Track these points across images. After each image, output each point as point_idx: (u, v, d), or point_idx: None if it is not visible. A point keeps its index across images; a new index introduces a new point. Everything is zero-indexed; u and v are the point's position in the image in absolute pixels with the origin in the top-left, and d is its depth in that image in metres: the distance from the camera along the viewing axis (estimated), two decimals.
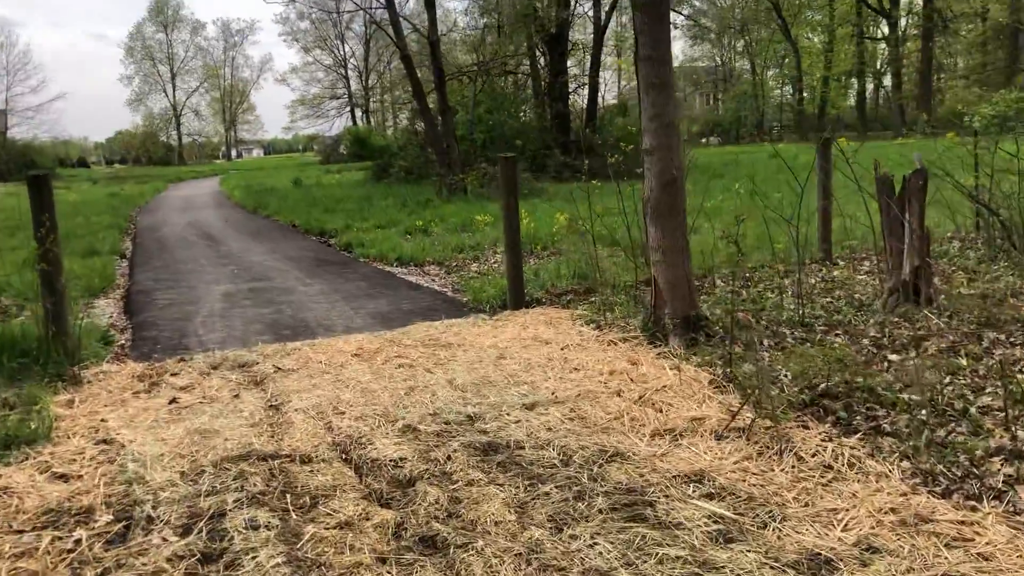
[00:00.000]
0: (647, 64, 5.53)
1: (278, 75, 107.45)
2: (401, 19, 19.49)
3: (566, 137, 27.00)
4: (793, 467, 3.59)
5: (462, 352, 5.87)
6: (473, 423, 4.40)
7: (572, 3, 27.35)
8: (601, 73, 29.28)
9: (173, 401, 5.04)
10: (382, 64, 79.90)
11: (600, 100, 29.11)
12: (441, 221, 14.87)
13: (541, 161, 24.79)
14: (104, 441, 4.40)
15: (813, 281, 7.68)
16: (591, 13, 28.34)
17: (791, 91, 70.35)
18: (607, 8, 27.68)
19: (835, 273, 7.99)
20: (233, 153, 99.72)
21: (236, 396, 5.08)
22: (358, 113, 79.91)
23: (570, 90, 28.45)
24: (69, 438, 4.49)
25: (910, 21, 55.19)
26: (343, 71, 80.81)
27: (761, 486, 3.44)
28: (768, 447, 3.80)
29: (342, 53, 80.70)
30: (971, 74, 56.08)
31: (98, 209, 22.71)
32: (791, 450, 3.72)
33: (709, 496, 3.39)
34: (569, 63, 28.69)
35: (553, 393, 4.71)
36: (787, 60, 66.00)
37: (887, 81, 61.97)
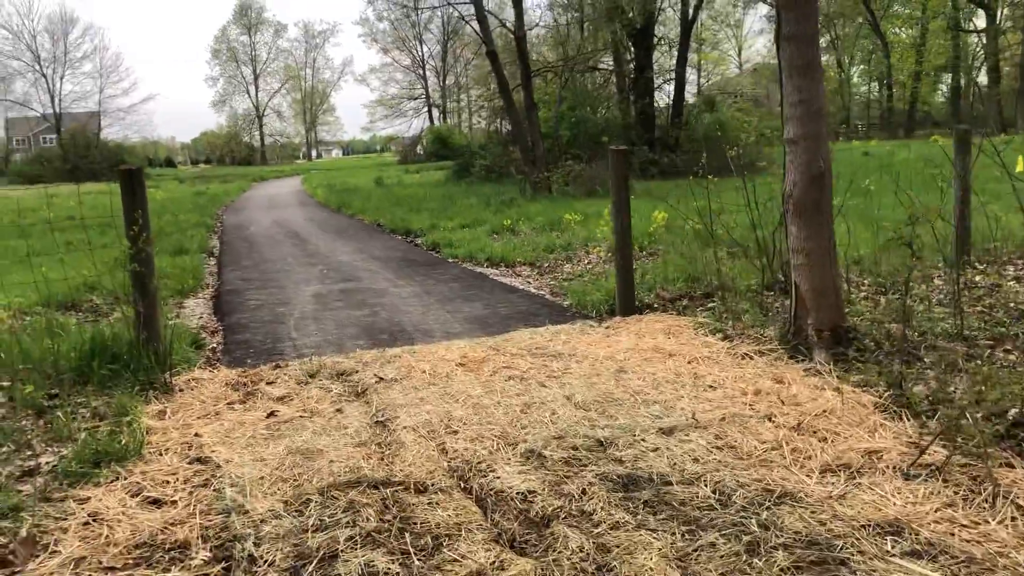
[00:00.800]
0: (791, 44, 4.92)
1: (357, 76, 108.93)
2: (487, 14, 19.08)
3: (651, 134, 26.28)
4: (1014, 519, 2.97)
5: (575, 364, 5.35)
6: (605, 449, 3.88)
7: None
8: (688, 68, 28.39)
9: (271, 414, 4.64)
10: (459, 64, 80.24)
11: (686, 96, 28.22)
12: (528, 220, 14.39)
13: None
14: (199, 460, 4.02)
15: (954, 288, 6.93)
16: (678, 7, 27.52)
17: (878, 87, 68.06)
18: (695, 2, 26.82)
19: (978, 278, 7.22)
20: (313, 153, 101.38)
21: (339, 410, 4.66)
22: (435, 113, 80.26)
23: (655, 86, 27.67)
24: (161, 455, 4.12)
25: (1010, 12, 52.46)
26: (421, 71, 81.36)
27: (979, 543, 2.83)
28: (973, 491, 3.18)
29: (420, 53, 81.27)
30: None
31: (185, 207, 22.95)
32: (1003, 495, 3.10)
33: (915, 555, 2.79)
34: (655, 58, 27.90)
35: (693, 416, 4.15)
36: (875, 55, 63.82)
37: (983, 76, 59.20)
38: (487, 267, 10.63)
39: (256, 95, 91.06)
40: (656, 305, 6.96)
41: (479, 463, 3.77)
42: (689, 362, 5.20)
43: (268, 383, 5.37)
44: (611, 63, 29.33)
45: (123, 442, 4.20)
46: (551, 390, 4.81)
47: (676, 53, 27.23)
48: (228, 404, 4.94)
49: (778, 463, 3.61)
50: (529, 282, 9.31)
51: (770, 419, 4.08)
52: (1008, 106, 53.45)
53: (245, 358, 6.33)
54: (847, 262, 7.20)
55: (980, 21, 56.29)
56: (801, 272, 5.11)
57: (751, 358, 5.16)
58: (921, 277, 7.27)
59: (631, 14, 26.14)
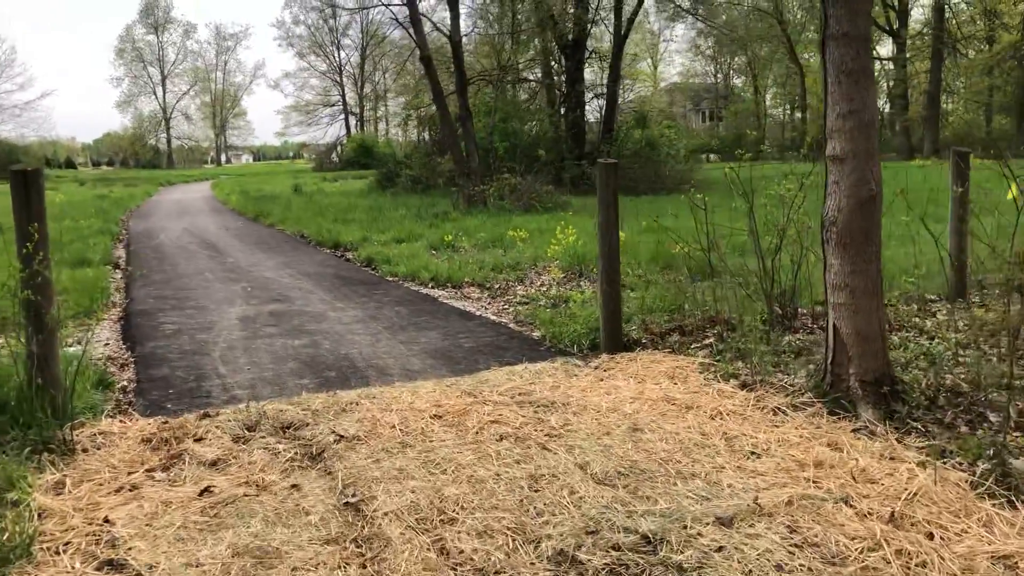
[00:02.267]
0: (840, 45, 4.18)
1: (271, 80, 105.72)
2: (422, 17, 18.14)
3: (581, 148, 25.73)
4: None
5: (575, 417, 4.47)
6: (655, 550, 3.00)
7: (592, 11, 26.11)
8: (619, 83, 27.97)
9: (206, 491, 3.61)
10: (378, 73, 78.76)
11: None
12: (467, 235, 13.46)
13: (557, 173, 23.48)
14: (111, 565, 2.98)
15: (960, 324, 6.32)
16: (611, 21, 27.09)
17: (789, 109, 69.65)
18: (628, 17, 26.42)
19: (978, 312, 6.65)
20: (223, 158, 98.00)
21: (294, 485, 3.66)
22: (352, 121, 78.54)
23: (586, 100, 27.16)
24: (59, 553, 3.07)
25: (919, 42, 54.25)
26: (338, 78, 79.51)
27: None
28: None
29: (338, 60, 79.42)
30: (976, 98, 55.45)
31: (87, 212, 21.21)
32: None
33: None
34: (586, 72, 27.43)
35: (756, 499, 3.31)
36: (790, 79, 65.21)
37: (888, 103, 61.09)
38: (433, 288, 9.67)
39: (163, 97, 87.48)
40: (644, 341, 6.14)
41: (496, 573, 2.85)
42: (712, 417, 4.38)
43: (196, 439, 4.31)
44: (540, 75, 28.75)
45: (4, 535, 3.12)
46: (558, 455, 3.91)
47: (608, 67, 26.74)
48: (147, 471, 3.88)
49: (885, 572, 2.80)
50: (485, 307, 8.39)
51: (848, 503, 3.28)
52: (916, 132, 55.17)
53: (164, 401, 5.24)
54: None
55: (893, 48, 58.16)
56: (842, 312, 4.36)
57: (784, 413, 4.37)
58: (923, 310, 6.67)
59: (564, 27, 25.59)
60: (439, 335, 6.96)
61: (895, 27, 53.07)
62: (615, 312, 5.90)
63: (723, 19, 29.04)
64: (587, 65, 27.95)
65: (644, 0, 25.89)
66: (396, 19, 20.06)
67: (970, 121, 57.42)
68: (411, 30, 18.37)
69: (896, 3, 52.57)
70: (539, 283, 9.85)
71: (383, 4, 19.56)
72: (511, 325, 7.37)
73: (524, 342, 6.65)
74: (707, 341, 6.01)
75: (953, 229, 7.25)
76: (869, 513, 3.19)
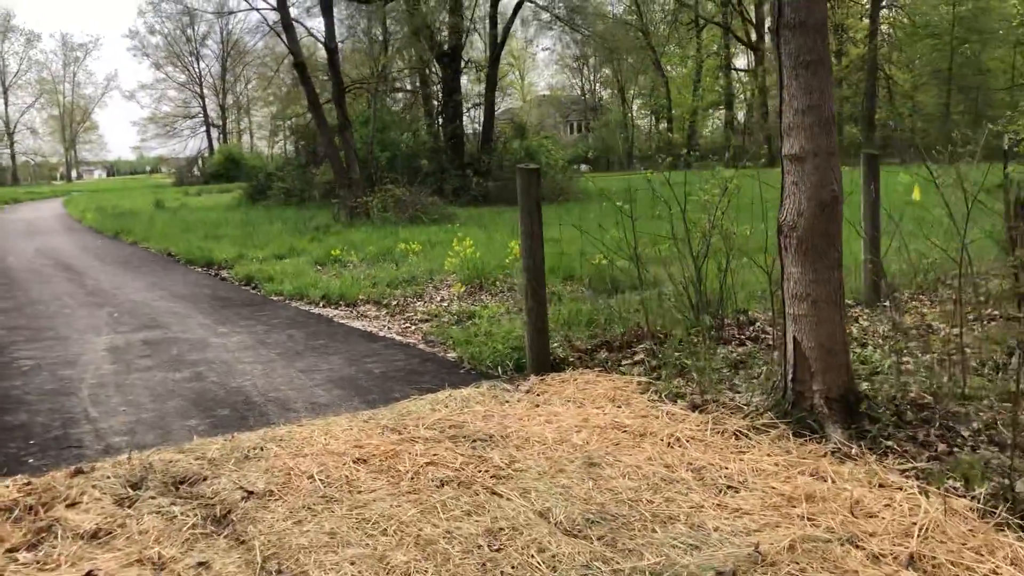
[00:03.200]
0: (797, 34, 3.85)
1: (125, 92, 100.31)
2: (295, 23, 17.25)
3: (461, 159, 25.29)
4: None
5: (519, 452, 3.96)
6: None
7: (467, 20, 25.76)
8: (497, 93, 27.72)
9: None
10: (240, 83, 76.13)
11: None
12: (354, 249, 12.73)
13: (439, 184, 22.94)
14: None
15: (882, 329, 6.18)
16: (486, 30, 26.82)
17: (655, 121, 71.51)
18: (503, 27, 26.20)
19: (905, 319, 6.54)
20: (73, 174, 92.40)
21: (202, 564, 2.98)
22: (214, 133, 75.56)
23: (464, 110, 26.75)
24: None
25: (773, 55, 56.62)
26: (198, 89, 76.34)
27: None
28: None
29: (197, 70, 76.26)
30: None
31: None
32: None
33: None
34: (464, 81, 27.03)
35: (756, 547, 2.88)
36: (655, 90, 66.92)
37: (753, 112, 63.61)
38: (325, 307, 8.95)
39: (5, 109, 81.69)
40: (572, 359, 5.68)
41: None
42: (670, 445, 3.95)
43: (69, 504, 3.56)
44: (417, 85, 28.19)
45: None
46: (512, 502, 3.38)
47: (485, 77, 26.44)
48: (7, 552, 3.12)
49: None
50: (386, 326, 7.77)
51: (855, 544, 2.90)
52: (775, 140, 57.57)
53: (24, 456, 4.40)
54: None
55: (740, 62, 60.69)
56: (804, 324, 4.02)
57: (747, 437, 3.99)
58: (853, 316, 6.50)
59: (439, 36, 25.12)
60: (342, 360, 6.30)
61: (753, 40, 55.32)
62: (542, 330, 5.43)
63: (601, 28, 29.19)
64: (463, 74, 27.56)
65: (520, 8, 25.71)
66: (267, 23, 19.07)
67: None
68: (283, 36, 17.45)
69: (753, 18, 54.83)
70: (439, 298, 9.30)
71: (253, 8, 18.54)
72: (421, 346, 6.78)
73: (440, 365, 6.08)
74: (638, 357, 5.61)
75: (868, 232, 7.15)
76: (882, 555, 2.82)
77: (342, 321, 8.10)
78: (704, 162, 7.05)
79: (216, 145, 71.25)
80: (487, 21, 26.61)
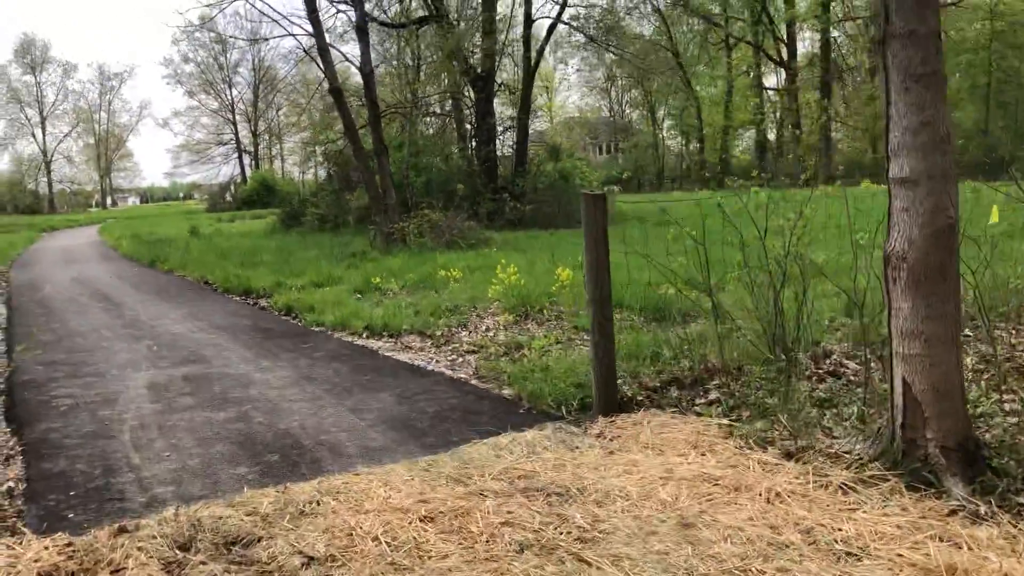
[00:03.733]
0: (908, 45, 3.48)
1: (159, 119, 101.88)
2: (331, 47, 17.14)
3: (495, 182, 25.03)
4: None
5: (602, 510, 3.59)
6: None
7: (500, 42, 25.60)
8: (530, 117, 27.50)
9: None
10: (272, 110, 76.88)
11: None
12: (392, 277, 12.44)
13: (473, 208, 22.68)
14: None
15: (969, 362, 5.73)
16: (521, 54, 26.65)
17: (685, 141, 71.05)
18: (537, 48, 26.03)
19: (994, 349, 6.09)
20: (108, 201, 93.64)
21: None
22: (246, 159, 76.23)
23: (498, 133, 26.54)
24: None
25: (808, 73, 56.07)
26: (230, 116, 77.14)
27: None
28: None
29: (229, 97, 77.09)
30: (860, 127, 57.69)
31: None
32: None
33: None
34: (497, 104, 26.83)
35: None
36: (686, 110, 66.53)
37: (784, 131, 62.99)
38: (368, 338, 8.65)
39: (43, 139, 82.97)
40: (639, 397, 5.31)
41: None
42: (770, 502, 3.56)
43: (114, 571, 3.25)
44: (450, 109, 28.04)
45: None
46: (604, 572, 3.02)
47: (519, 100, 26.23)
48: None
49: None
50: (434, 359, 7.44)
51: None
52: (807, 158, 56.85)
53: (64, 509, 4.11)
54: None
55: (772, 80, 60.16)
56: (916, 365, 3.63)
57: (855, 491, 3.60)
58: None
59: (472, 59, 24.98)
60: (393, 398, 5.98)
61: (785, 59, 54.82)
62: (610, 367, 5.06)
63: (633, 49, 28.96)
64: (496, 97, 27.39)
65: (554, 29, 25.54)
66: (303, 48, 18.97)
67: (858, 149, 59.75)
68: (318, 61, 17.33)
69: (785, 36, 54.38)
70: (484, 327, 8.97)
71: (288, 34, 18.47)
72: (474, 382, 6.43)
73: (496, 403, 5.73)
74: (712, 396, 5.23)
75: None
76: None
77: (387, 353, 7.79)
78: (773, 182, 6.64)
79: (248, 171, 71.88)
80: (520, 43, 26.46)
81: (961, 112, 49.73)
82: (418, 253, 15.86)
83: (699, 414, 4.93)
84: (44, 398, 6.46)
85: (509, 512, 3.57)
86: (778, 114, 62.37)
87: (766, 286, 5.66)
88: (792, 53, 55.01)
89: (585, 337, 8.29)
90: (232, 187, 66.54)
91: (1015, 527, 3.16)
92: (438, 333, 8.68)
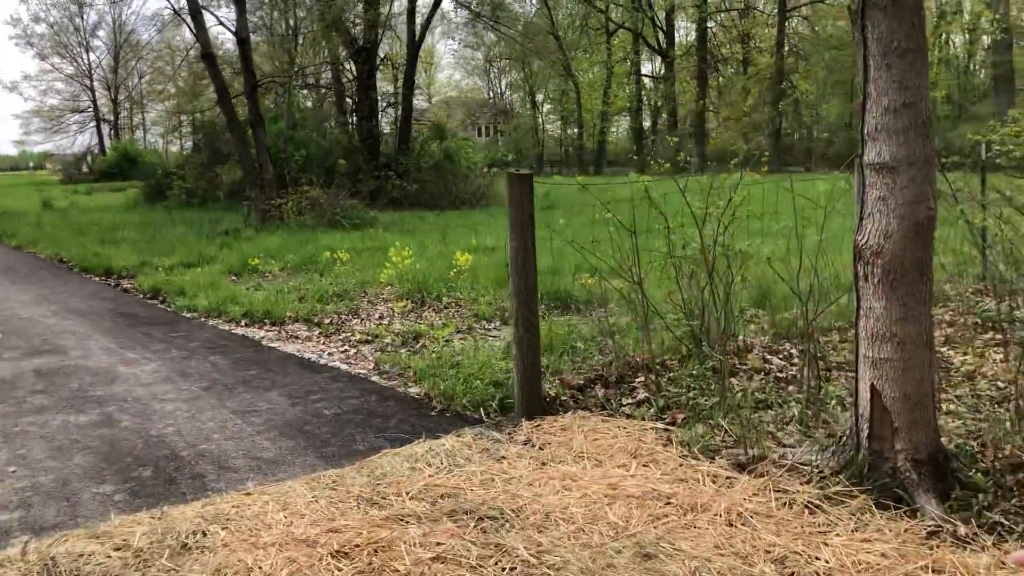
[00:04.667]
0: (890, 15, 3.13)
1: (7, 83, 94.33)
2: (203, 11, 15.89)
3: (376, 159, 24.16)
4: None
5: (544, 535, 3.11)
6: None
7: (384, 15, 24.67)
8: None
9: None
10: (133, 77, 72.59)
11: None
12: (271, 258, 11.59)
13: (354, 186, 21.77)
14: None
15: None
16: (404, 28, 25.78)
17: (563, 126, 71.46)
18: (422, 23, 25.22)
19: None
20: None
21: None
22: (105, 129, 71.76)
23: (381, 108, 25.65)
24: None
25: (685, 62, 57.18)
26: (88, 82, 72.30)
27: None
28: None
29: (87, 62, 72.23)
30: (733, 118, 59.47)
31: None
32: None
33: None
34: (378, 79, 25.92)
35: None
36: (565, 95, 66.78)
37: (659, 118, 64.18)
38: (248, 326, 7.88)
39: None
40: (563, 397, 4.86)
41: None
42: (731, 524, 3.17)
43: None
44: (329, 81, 26.93)
45: None
46: None
47: (403, 75, 25.40)
48: None
49: None
50: (324, 351, 6.79)
51: None
52: (684, 147, 58.14)
53: None
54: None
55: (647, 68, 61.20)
56: (887, 371, 3.31)
57: (822, 510, 3.25)
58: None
59: (354, 31, 23.97)
60: (283, 398, 5.32)
61: (663, 47, 55.74)
62: (535, 365, 4.58)
63: (516, 30, 28.51)
64: (379, 71, 26.46)
65: (439, 3, 24.78)
66: (174, 10, 17.57)
67: (729, 139, 61.56)
68: (190, 23, 16.08)
69: (664, 24, 55.26)
70: (376, 315, 8.36)
71: None
72: (375, 378, 5.83)
73: (403, 404, 5.16)
74: (640, 395, 4.84)
75: None
76: None
77: (272, 344, 7.07)
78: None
79: (108, 141, 67.73)
80: (403, 16, 25.60)
81: (828, 106, 51.83)
82: (298, 232, 14.95)
83: (628, 416, 4.53)
84: None
85: (439, 544, 3.04)
86: (655, 101, 63.54)
87: (691, 276, 5.32)
88: (670, 41, 55.97)
89: (487, 326, 7.83)
90: (89, 158, 62.45)
91: (999, 549, 2.88)
92: (327, 321, 8.01)
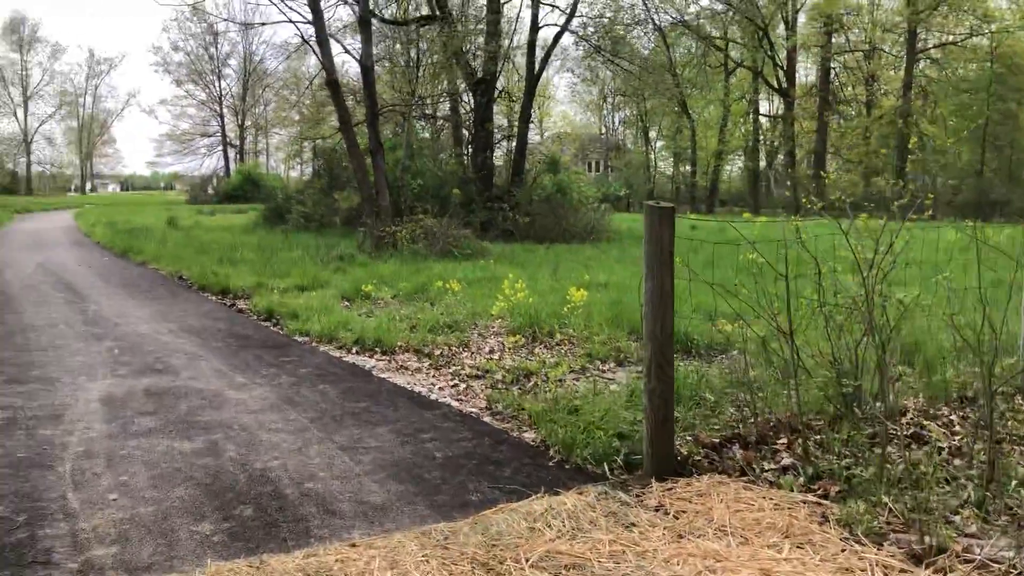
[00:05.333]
0: None
1: (145, 107, 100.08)
2: (331, 39, 16.18)
3: (489, 190, 24.11)
4: None
5: None
6: None
7: (504, 48, 24.77)
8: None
9: None
10: (260, 105, 75.72)
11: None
12: (384, 284, 11.46)
13: (467, 217, 21.74)
14: None
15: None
16: (523, 59, 25.82)
17: (675, 163, 70.50)
18: (542, 56, 25.19)
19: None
20: (88, 186, 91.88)
21: None
22: (231, 153, 74.92)
23: (496, 141, 25.66)
24: None
25: (806, 102, 55.66)
26: (218, 108, 75.80)
27: None
28: None
29: (218, 89, 75.78)
30: (853, 160, 57.45)
31: None
32: None
33: None
34: (496, 111, 25.98)
35: None
36: (680, 132, 65.97)
37: (775, 158, 62.56)
38: (359, 353, 7.69)
39: (25, 119, 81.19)
40: (698, 457, 4.39)
41: None
42: None
43: None
44: (449, 112, 27.17)
45: None
46: None
47: (520, 108, 25.36)
48: None
49: None
50: (434, 384, 6.50)
51: None
52: (802, 189, 56.44)
53: None
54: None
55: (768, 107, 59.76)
56: None
57: None
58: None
59: (473, 63, 24.10)
60: (392, 435, 5.02)
61: (783, 86, 54.41)
62: (668, 420, 4.13)
63: (635, 64, 28.15)
64: (495, 104, 26.52)
65: (560, 37, 24.71)
66: (302, 37, 17.97)
67: (851, 180, 59.45)
68: (317, 50, 16.36)
69: (784, 64, 53.99)
70: (486, 348, 8.06)
71: (288, 20, 17.51)
72: (487, 419, 5.48)
73: (518, 450, 4.78)
74: (783, 460, 4.32)
75: None
76: None
77: (382, 375, 6.83)
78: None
79: (233, 165, 70.66)
80: (523, 50, 25.63)
81: (956, 153, 49.46)
82: (410, 260, 14.89)
83: (773, 484, 4.03)
84: None
85: None
86: (772, 141, 62.03)
87: (841, 328, 4.78)
88: (791, 80, 54.60)
89: (602, 367, 7.42)
90: (215, 180, 65.25)
91: None
92: (437, 352, 7.76)
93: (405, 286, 11.28)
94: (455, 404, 5.87)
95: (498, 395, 5.86)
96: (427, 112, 25.23)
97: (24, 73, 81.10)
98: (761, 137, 61.56)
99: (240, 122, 76.21)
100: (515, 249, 18.58)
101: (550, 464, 4.52)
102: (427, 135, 27.04)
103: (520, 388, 6.48)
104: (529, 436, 5.04)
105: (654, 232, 4.08)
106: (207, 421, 5.24)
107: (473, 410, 5.70)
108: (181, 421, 5.23)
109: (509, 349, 7.99)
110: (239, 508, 3.83)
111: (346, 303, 10.58)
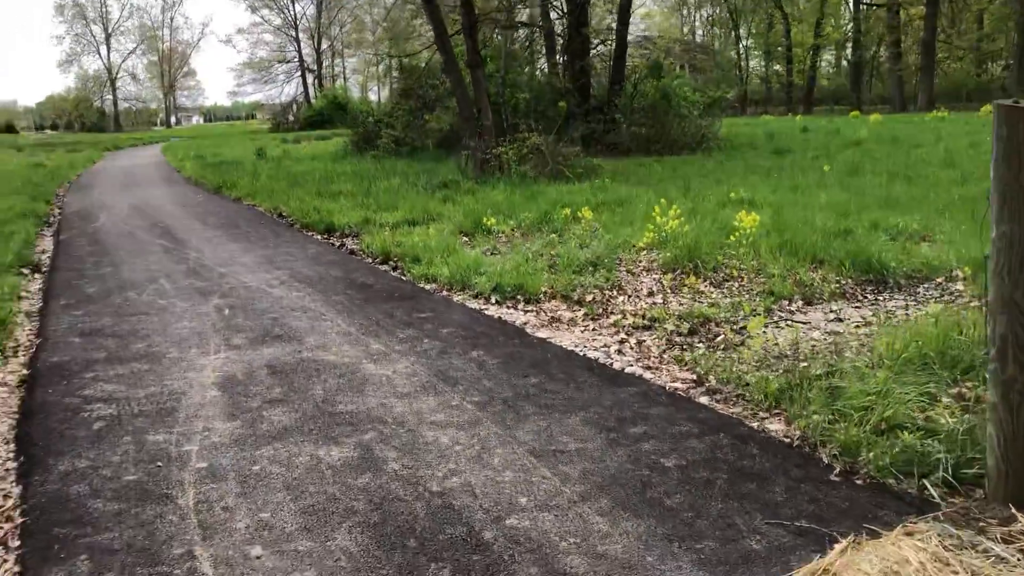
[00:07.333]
0: None
1: (221, 37, 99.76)
2: None
3: (587, 103, 22.44)
4: None
5: None
6: None
7: None
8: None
9: None
10: (335, 27, 74.41)
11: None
12: (500, 215, 10.22)
13: (565, 131, 20.22)
14: None
15: None
16: None
17: (766, 62, 66.64)
18: None
19: None
20: (172, 120, 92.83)
21: None
22: (309, 78, 74.08)
23: (592, 47, 23.84)
24: None
25: None
26: (294, 33, 74.75)
27: None
28: None
29: (292, 13, 74.58)
30: (965, 47, 53.14)
31: (13, 186, 17.59)
32: None
33: None
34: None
35: None
36: (773, 28, 62.05)
37: (882, 51, 58.34)
38: (500, 304, 6.55)
39: (108, 56, 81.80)
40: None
41: None
42: None
43: None
44: (538, 18, 25.38)
45: None
46: None
47: (617, 8, 23.41)
48: None
49: None
50: (602, 342, 5.30)
51: None
52: (909, 84, 52.56)
53: None
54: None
55: None
56: None
57: None
58: None
59: None
60: (591, 429, 3.85)
61: None
62: None
63: None
64: (592, 7, 24.62)
65: None
66: None
67: (961, 71, 55.13)
68: None
69: None
70: (644, 290, 6.84)
71: None
72: (703, 399, 4.25)
73: (775, 454, 3.54)
74: None
75: None
76: None
77: (538, 334, 5.66)
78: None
79: (312, 91, 69.93)
80: None
81: None
82: (520, 184, 13.59)
83: None
84: (74, 400, 4.49)
85: None
86: (876, 32, 57.69)
87: None
88: None
89: (789, 307, 6.15)
90: (295, 107, 64.66)
91: None
92: (588, 299, 6.56)
93: (528, 216, 10.04)
94: (648, 376, 4.66)
95: (709, 363, 4.62)
96: (522, 21, 23.51)
97: (103, 10, 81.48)
98: (862, 28, 57.28)
99: (316, 46, 75.13)
100: (627, 165, 17.10)
101: (833, 478, 3.28)
102: (516, 46, 25.37)
103: (705, 344, 5.29)
104: (775, 428, 3.80)
105: (1011, 146, 2.71)
106: (351, 412, 4.17)
107: (676, 386, 4.47)
108: (320, 414, 4.17)
109: (668, 290, 6.76)
110: (429, 569, 2.72)
111: (465, 239, 9.43)
